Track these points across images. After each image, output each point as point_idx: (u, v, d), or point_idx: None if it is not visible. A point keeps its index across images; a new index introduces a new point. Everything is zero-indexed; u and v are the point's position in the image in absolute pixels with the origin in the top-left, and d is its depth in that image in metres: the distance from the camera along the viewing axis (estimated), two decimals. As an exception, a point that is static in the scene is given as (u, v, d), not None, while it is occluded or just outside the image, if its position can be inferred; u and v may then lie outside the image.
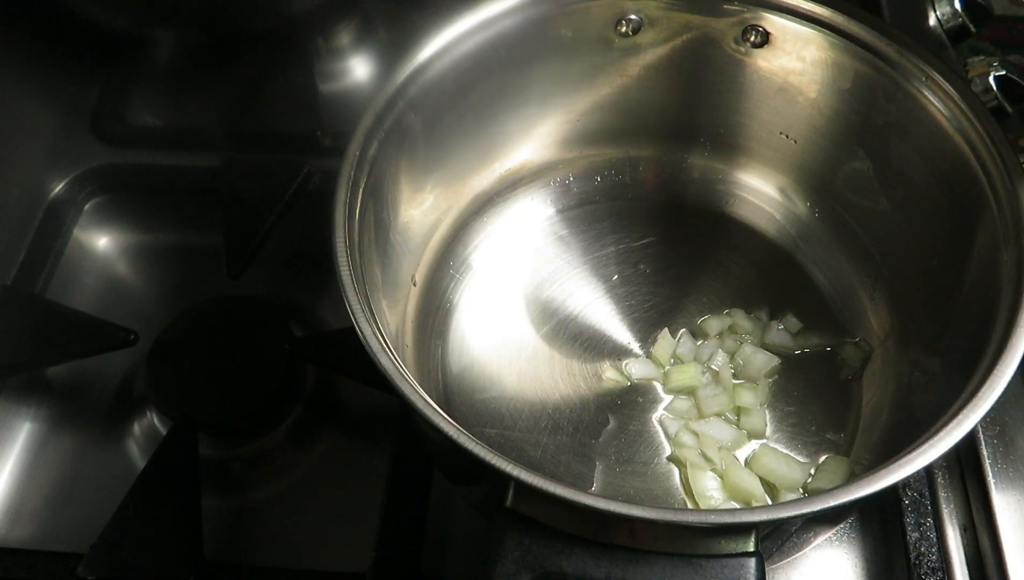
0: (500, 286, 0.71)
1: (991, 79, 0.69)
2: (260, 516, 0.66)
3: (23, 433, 0.71)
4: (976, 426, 0.43)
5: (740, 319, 0.68)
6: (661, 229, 0.74)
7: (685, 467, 0.61)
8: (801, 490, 0.60)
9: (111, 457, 0.69)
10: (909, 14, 0.79)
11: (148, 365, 0.67)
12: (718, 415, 0.64)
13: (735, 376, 0.66)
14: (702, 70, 0.67)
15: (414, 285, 0.67)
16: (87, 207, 0.82)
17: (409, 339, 0.64)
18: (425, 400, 0.45)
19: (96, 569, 0.57)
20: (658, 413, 0.65)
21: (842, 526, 0.62)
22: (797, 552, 0.60)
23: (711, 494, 0.60)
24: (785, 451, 0.62)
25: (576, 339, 0.68)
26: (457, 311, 0.70)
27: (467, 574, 0.61)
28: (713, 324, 0.68)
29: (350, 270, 0.49)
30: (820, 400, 0.65)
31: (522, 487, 0.42)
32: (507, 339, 0.69)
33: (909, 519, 0.59)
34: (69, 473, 0.69)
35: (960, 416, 0.44)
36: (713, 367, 0.66)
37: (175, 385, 0.67)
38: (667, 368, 0.66)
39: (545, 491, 0.41)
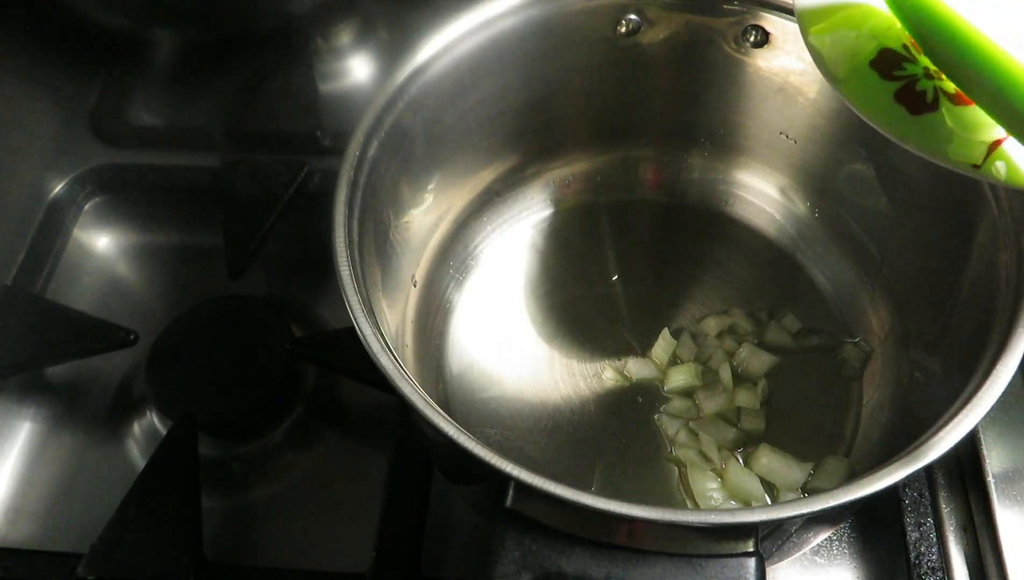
0: (500, 286, 0.71)
1: (991, 79, 0.68)
2: (260, 516, 0.66)
3: (23, 433, 0.71)
4: (976, 426, 0.43)
5: (740, 319, 0.68)
6: (661, 229, 0.74)
7: (685, 467, 0.61)
8: (801, 490, 0.60)
9: (111, 457, 0.69)
10: (909, 14, 0.79)
11: (148, 365, 0.68)
12: (718, 415, 0.64)
13: (735, 376, 0.66)
14: (702, 70, 0.67)
15: (414, 285, 0.67)
16: (87, 207, 0.82)
17: (409, 339, 0.64)
18: (425, 400, 0.45)
19: (96, 569, 0.57)
20: (658, 413, 0.65)
21: (842, 526, 0.62)
22: (797, 552, 0.60)
23: (711, 494, 0.60)
24: (785, 451, 0.62)
25: (576, 339, 0.68)
26: (457, 311, 0.70)
27: (467, 574, 0.61)
28: (713, 324, 0.68)
29: (350, 270, 0.49)
30: (820, 400, 0.65)
31: (522, 487, 0.42)
32: (507, 339, 0.69)
33: (909, 519, 0.59)
34: (69, 473, 0.69)
35: (960, 416, 0.44)
36: (713, 367, 0.66)
37: (175, 385, 0.67)
38: (667, 368, 0.66)
39: (545, 491, 0.41)
